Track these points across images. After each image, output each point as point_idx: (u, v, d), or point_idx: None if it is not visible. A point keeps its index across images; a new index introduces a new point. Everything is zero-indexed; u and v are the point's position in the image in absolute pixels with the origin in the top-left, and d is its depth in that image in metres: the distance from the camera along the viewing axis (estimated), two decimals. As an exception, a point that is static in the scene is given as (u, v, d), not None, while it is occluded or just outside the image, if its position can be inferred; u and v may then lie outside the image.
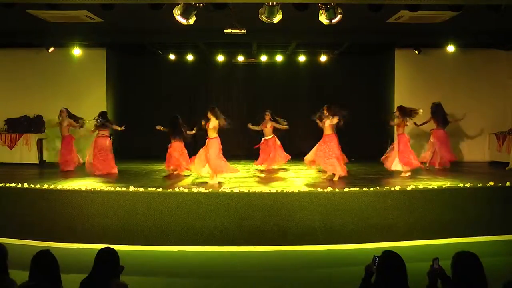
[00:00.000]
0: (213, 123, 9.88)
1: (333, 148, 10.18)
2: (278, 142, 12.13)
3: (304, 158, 10.88)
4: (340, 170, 10.09)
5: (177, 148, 10.84)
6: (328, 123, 10.20)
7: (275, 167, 12.16)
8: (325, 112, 10.26)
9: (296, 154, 13.61)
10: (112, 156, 11.27)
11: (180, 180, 10.24)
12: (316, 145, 10.50)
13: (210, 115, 9.93)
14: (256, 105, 13.97)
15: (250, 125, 12.21)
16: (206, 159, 9.90)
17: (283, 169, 12.18)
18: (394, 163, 10.92)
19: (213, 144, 9.92)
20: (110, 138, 11.34)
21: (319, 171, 11.06)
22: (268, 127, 12.08)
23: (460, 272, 3.35)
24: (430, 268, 3.71)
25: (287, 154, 12.14)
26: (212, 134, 9.96)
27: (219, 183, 9.74)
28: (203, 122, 10.10)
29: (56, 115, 11.77)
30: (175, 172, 10.95)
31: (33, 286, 3.53)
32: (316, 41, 12.82)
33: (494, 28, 10.96)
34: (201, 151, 10.09)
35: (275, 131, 12.16)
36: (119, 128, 11.25)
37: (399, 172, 10.84)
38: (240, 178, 10.55)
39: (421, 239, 8.45)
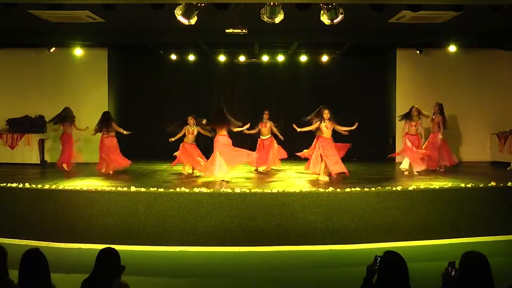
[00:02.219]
0: None
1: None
2: (275, 145, 11.97)
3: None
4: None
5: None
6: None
7: (274, 168, 12.07)
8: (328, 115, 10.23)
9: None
10: (119, 154, 11.34)
11: (183, 180, 10.28)
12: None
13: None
14: (258, 105, 13.93)
15: (246, 131, 11.43)
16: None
17: (284, 169, 12.13)
18: (405, 161, 11.04)
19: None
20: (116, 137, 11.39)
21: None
22: (267, 126, 11.95)
23: (468, 272, 3.35)
24: (445, 270, 3.70)
25: (284, 151, 12.06)
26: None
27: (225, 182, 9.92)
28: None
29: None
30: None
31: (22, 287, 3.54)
32: (318, 41, 12.82)
33: (496, 28, 10.95)
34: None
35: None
36: (124, 132, 11.30)
37: (405, 171, 10.91)
38: (242, 178, 10.55)
39: (422, 239, 8.44)
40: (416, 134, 11.08)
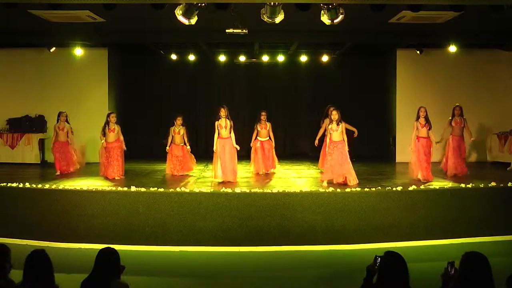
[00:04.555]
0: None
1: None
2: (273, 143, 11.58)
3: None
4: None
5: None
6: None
7: (272, 170, 11.69)
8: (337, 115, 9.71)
9: (297, 154, 13.55)
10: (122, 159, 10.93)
11: (183, 181, 10.28)
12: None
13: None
14: (258, 105, 13.92)
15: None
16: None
17: (284, 169, 12.09)
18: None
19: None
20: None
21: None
22: (267, 128, 11.36)
23: (468, 272, 3.35)
24: (444, 270, 3.70)
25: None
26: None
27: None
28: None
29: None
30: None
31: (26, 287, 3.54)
32: (318, 41, 12.81)
33: (496, 29, 10.93)
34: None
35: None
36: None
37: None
38: (242, 178, 10.54)
39: (423, 240, 8.45)
40: (427, 137, 10.12)
